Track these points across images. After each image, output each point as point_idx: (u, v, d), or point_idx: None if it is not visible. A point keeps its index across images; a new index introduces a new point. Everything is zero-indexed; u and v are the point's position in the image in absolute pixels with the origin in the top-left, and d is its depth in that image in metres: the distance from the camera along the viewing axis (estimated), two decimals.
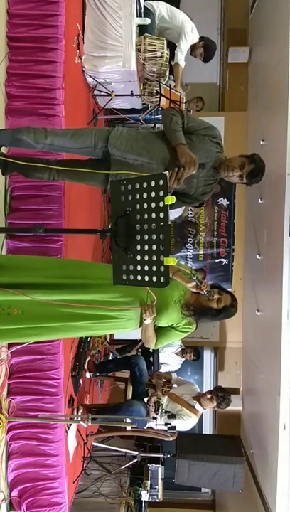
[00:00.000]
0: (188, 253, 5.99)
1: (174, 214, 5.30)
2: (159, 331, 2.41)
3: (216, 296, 2.34)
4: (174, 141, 2.33)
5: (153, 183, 1.82)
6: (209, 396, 3.92)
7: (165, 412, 3.62)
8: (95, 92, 4.04)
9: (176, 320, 2.37)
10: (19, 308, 2.18)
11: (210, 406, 3.91)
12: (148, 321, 2.27)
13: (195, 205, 2.75)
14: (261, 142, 4.91)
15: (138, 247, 1.88)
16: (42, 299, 2.16)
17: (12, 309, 2.17)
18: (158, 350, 4.67)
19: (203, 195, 2.57)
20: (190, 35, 4.22)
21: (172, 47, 4.27)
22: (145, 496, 4.17)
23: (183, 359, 5.46)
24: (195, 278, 2.31)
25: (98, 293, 2.26)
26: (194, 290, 2.38)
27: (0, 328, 2.20)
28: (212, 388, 4.29)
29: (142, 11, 3.94)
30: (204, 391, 4.11)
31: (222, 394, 3.93)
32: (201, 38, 4.35)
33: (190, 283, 2.37)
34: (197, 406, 3.86)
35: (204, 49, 4.37)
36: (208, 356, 6.61)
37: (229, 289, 5.85)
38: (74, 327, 2.27)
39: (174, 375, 4.36)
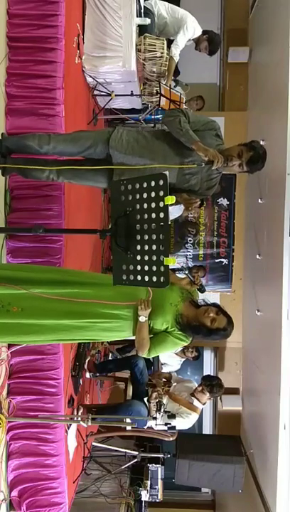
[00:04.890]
0: (188, 253, 5.99)
1: (174, 214, 5.29)
2: (155, 338, 2.37)
3: (212, 315, 2.28)
4: (190, 140, 2.36)
5: (153, 183, 1.82)
6: (200, 389, 3.95)
7: (165, 412, 3.63)
8: (95, 92, 4.04)
9: (171, 321, 2.34)
10: (19, 305, 2.19)
11: (206, 398, 3.92)
12: (142, 318, 2.25)
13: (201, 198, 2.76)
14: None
15: (139, 247, 1.88)
16: (41, 291, 2.18)
17: (12, 307, 2.18)
18: None
19: (208, 189, 2.58)
20: (191, 30, 4.15)
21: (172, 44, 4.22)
22: (145, 496, 4.16)
23: (183, 359, 5.45)
24: (186, 272, 2.33)
25: (96, 287, 2.30)
26: (188, 287, 2.40)
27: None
28: None
29: (142, 11, 3.93)
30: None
31: (209, 382, 3.95)
32: (205, 32, 4.31)
33: (184, 280, 2.38)
34: (196, 402, 3.89)
35: (208, 42, 4.31)
36: (208, 356, 6.62)
37: (229, 289, 5.94)
38: (72, 326, 2.27)
39: (174, 374, 4.36)
